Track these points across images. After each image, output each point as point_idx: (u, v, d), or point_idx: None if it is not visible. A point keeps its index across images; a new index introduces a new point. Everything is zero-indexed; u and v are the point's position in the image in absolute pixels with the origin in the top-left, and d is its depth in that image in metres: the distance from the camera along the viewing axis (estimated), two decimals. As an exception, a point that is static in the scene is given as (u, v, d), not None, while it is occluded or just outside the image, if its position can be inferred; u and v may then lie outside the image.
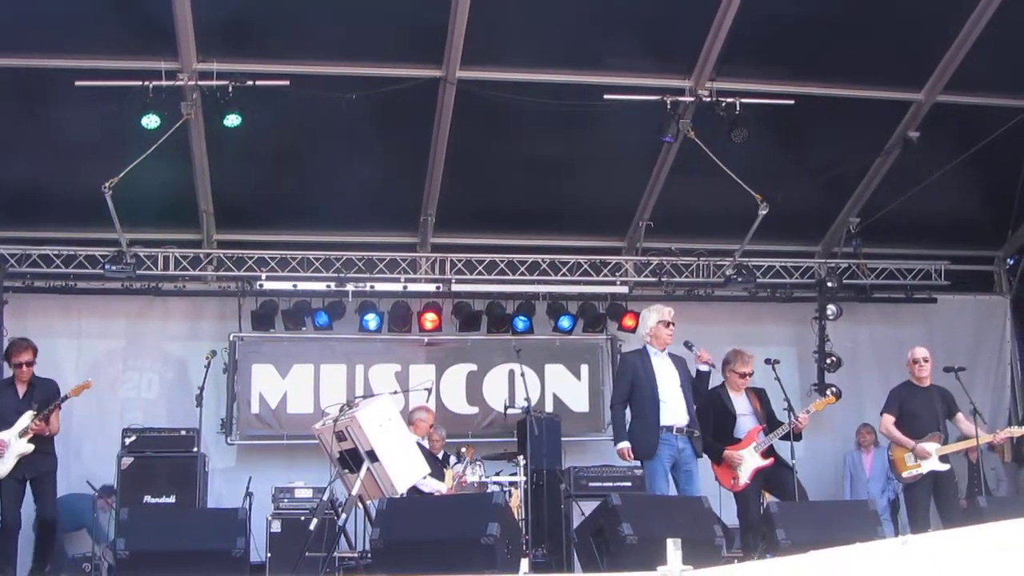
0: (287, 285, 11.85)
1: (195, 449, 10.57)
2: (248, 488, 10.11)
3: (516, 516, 8.95)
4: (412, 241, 12.43)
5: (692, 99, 10.61)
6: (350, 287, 11.87)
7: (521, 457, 9.88)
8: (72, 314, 11.96)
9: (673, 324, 8.98)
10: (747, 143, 10.48)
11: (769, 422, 9.18)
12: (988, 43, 10.26)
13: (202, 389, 10.69)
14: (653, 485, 8.66)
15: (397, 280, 12.10)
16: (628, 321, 12.35)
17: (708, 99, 10.53)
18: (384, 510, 7.61)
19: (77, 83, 9.71)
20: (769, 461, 9.04)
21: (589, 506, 8.96)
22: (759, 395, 9.35)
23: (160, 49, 9.79)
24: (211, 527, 8.14)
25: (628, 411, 8.97)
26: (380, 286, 12.05)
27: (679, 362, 9.00)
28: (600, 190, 11.85)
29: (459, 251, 12.32)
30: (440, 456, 10.51)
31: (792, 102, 10.65)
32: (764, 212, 10.99)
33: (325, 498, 8.60)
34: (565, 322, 12.48)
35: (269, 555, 9.82)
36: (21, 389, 9.33)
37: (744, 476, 9.00)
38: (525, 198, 11.91)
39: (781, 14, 10.06)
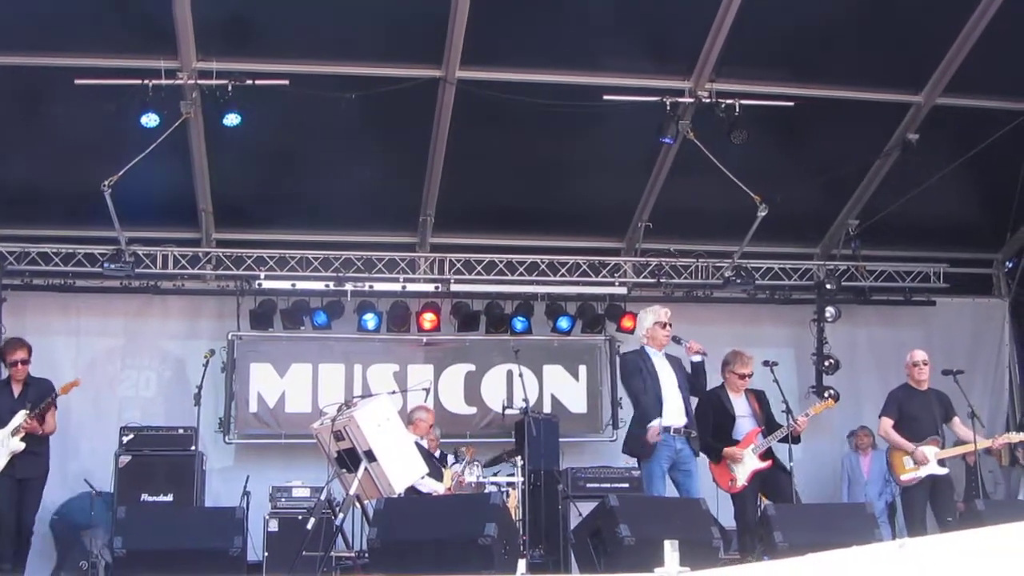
0: (286, 284, 11.85)
1: (193, 448, 10.57)
2: (246, 487, 10.13)
3: (514, 517, 8.95)
4: (411, 241, 12.42)
5: (692, 100, 10.61)
6: (349, 287, 11.87)
7: (519, 458, 9.88)
8: (71, 312, 11.96)
9: (670, 325, 8.99)
10: (746, 144, 10.49)
11: (768, 424, 9.18)
12: (988, 45, 10.26)
13: (200, 388, 10.71)
14: (650, 486, 8.67)
15: (396, 280, 12.10)
16: (627, 322, 12.35)
17: (708, 100, 10.53)
18: (382, 510, 7.62)
19: (77, 81, 9.70)
20: (767, 463, 9.04)
21: (587, 507, 8.96)
22: (758, 397, 9.34)
23: (160, 48, 9.78)
24: (208, 526, 8.15)
25: (633, 404, 8.97)
26: (379, 286, 12.05)
27: (676, 363, 9.01)
28: (599, 191, 11.86)
29: (458, 251, 12.32)
30: (437, 456, 10.51)
31: (791, 104, 10.64)
32: (763, 214, 10.99)
33: (323, 497, 8.60)
34: (564, 323, 12.48)
35: (266, 554, 9.82)
36: (16, 389, 9.34)
37: (742, 478, 8.99)
38: (524, 198, 11.91)
39: (781, 16, 10.06)
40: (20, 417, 9.11)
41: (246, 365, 12.05)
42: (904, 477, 9.35)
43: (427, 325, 12.22)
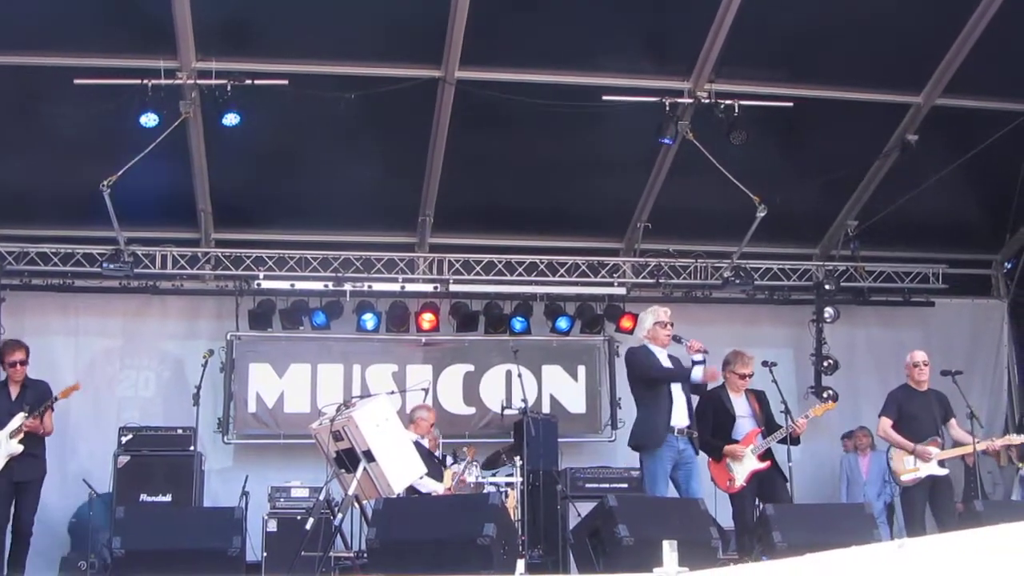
0: (285, 284, 11.85)
1: (192, 448, 10.57)
2: (244, 487, 10.14)
3: (512, 517, 8.95)
4: (410, 241, 12.42)
5: (691, 101, 10.61)
6: (348, 287, 11.87)
7: (518, 458, 9.88)
8: (69, 312, 11.96)
9: (671, 325, 8.98)
10: (745, 145, 10.49)
11: (768, 425, 9.17)
12: (987, 46, 10.26)
13: (199, 388, 10.72)
14: (653, 486, 8.62)
15: (395, 280, 12.10)
16: (626, 322, 12.36)
17: (707, 101, 10.53)
18: (380, 510, 7.61)
19: (76, 81, 9.70)
20: (766, 464, 9.04)
21: (586, 507, 8.97)
22: (759, 397, 9.34)
23: (159, 48, 9.78)
24: (207, 526, 8.13)
25: (641, 400, 8.91)
26: (378, 286, 12.05)
27: (676, 363, 9.00)
28: (598, 191, 11.86)
29: (457, 251, 12.32)
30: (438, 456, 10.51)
31: (791, 104, 10.65)
32: (762, 214, 10.99)
33: (321, 498, 8.61)
34: (563, 323, 12.48)
35: (265, 554, 9.83)
36: (14, 391, 9.33)
37: (740, 478, 8.99)
38: (523, 199, 11.91)
39: (780, 16, 10.06)
40: (19, 420, 9.11)
41: (245, 365, 12.05)
42: (905, 477, 9.35)
43: (426, 325, 12.22)
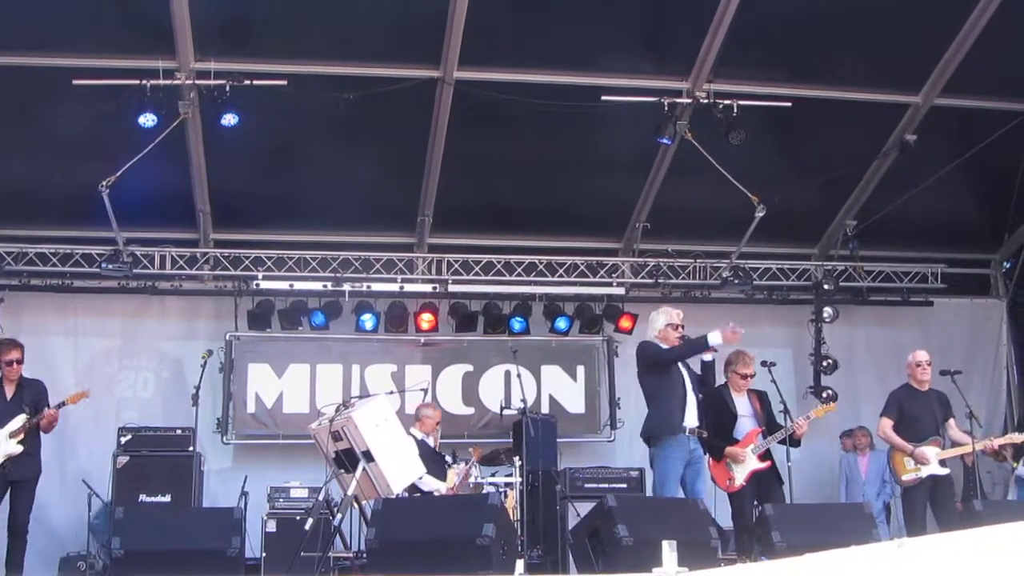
0: (283, 285, 11.85)
1: (191, 448, 10.57)
2: (244, 487, 10.13)
3: (512, 517, 8.95)
4: (409, 241, 12.42)
5: (689, 101, 10.61)
6: (347, 287, 11.87)
7: (517, 458, 9.88)
8: (68, 313, 11.96)
9: (682, 327, 8.95)
10: (744, 145, 10.48)
11: (769, 425, 9.17)
12: (986, 46, 10.27)
13: (198, 388, 10.72)
14: (663, 486, 8.55)
15: (394, 280, 12.10)
16: (624, 322, 12.38)
17: (705, 101, 10.53)
18: (379, 510, 7.61)
19: (75, 82, 9.70)
20: (766, 464, 9.04)
21: (585, 507, 8.97)
22: (760, 397, 9.34)
23: (158, 48, 9.78)
24: (207, 526, 8.13)
25: (654, 393, 8.83)
26: (376, 286, 12.05)
27: (686, 364, 8.97)
28: (597, 191, 11.87)
29: (456, 252, 12.32)
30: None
31: (789, 104, 10.65)
32: (761, 214, 10.99)
33: (321, 498, 8.61)
34: (561, 323, 12.48)
35: (264, 555, 9.83)
36: (9, 390, 9.29)
37: (740, 477, 8.99)
38: (522, 199, 11.91)
39: (779, 16, 10.07)
40: (19, 421, 9.09)
41: (244, 365, 12.05)
42: (905, 477, 9.35)
43: (425, 325, 12.22)
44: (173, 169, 11.01)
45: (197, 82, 9.94)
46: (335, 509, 8.39)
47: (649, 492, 10.39)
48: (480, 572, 6.95)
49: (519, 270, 12.19)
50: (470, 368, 12.42)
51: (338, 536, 8.30)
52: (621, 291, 12.44)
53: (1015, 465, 11.48)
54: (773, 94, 10.68)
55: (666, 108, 10.55)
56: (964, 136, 11.27)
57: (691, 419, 8.66)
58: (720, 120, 10.47)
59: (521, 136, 11.19)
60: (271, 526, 10.03)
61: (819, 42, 10.39)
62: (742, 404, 9.25)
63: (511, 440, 11.12)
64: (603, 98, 10.49)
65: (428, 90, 10.46)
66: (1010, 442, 9.89)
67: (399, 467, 7.94)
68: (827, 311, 12.65)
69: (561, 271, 12.25)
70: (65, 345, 11.87)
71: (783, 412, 9.13)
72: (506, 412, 11.00)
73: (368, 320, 12.12)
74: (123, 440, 10.42)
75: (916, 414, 9.43)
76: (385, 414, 8.05)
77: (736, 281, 12.20)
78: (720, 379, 9.27)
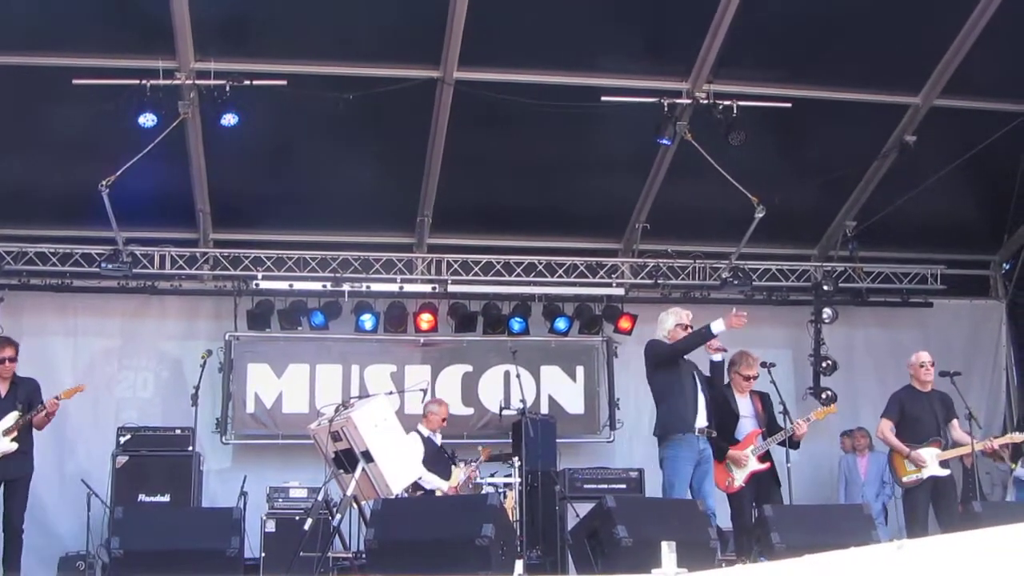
0: (283, 285, 11.84)
1: (190, 448, 10.57)
2: (243, 488, 10.13)
3: (511, 517, 8.95)
4: (408, 242, 12.42)
5: (689, 101, 10.60)
6: (346, 287, 11.86)
7: (516, 459, 9.88)
8: (68, 312, 11.96)
9: (692, 327, 8.94)
10: (744, 146, 10.48)
11: (769, 426, 9.17)
12: (985, 47, 10.27)
13: (197, 388, 10.73)
14: (672, 487, 8.52)
15: (393, 280, 12.09)
16: (624, 323, 12.38)
17: (705, 101, 10.53)
18: (379, 510, 7.61)
19: (74, 81, 9.69)
20: (766, 465, 9.04)
21: (584, 508, 8.96)
22: (762, 399, 9.34)
23: (158, 48, 9.78)
24: (206, 526, 8.14)
25: (665, 391, 8.81)
26: (376, 286, 12.05)
27: (693, 365, 8.96)
28: (597, 192, 11.86)
29: (455, 252, 12.32)
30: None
31: (789, 105, 10.65)
32: (760, 215, 10.99)
33: (320, 498, 8.61)
34: (561, 324, 12.47)
35: (263, 555, 9.83)
36: (3, 388, 9.29)
37: (739, 478, 9.00)
38: (522, 199, 11.91)
39: (779, 17, 10.07)
40: (11, 419, 9.09)
41: (243, 365, 12.05)
42: (906, 479, 9.35)
43: (424, 326, 12.22)
44: (173, 169, 11.00)
45: (197, 82, 9.94)
46: (334, 509, 8.39)
47: (651, 493, 10.41)
48: (479, 572, 6.95)
49: (519, 270, 12.19)
50: (469, 368, 12.41)
51: (337, 536, 8.29)
52: (621, 291, 12.44)
53: (1013, 466, 11.49)
54: (773, 94, 10.68)
55: (666, 108, 10.54)
56: (964, 137, 11.27)
57: (701, 419, 8.65)
58: (720, 120, 10.46)
59: (521, 136, 11.19)
60: (270, 526, 10.03)
61: (819, 42, 10.38)
62: (744, 405, 9.26)
63: (511, 441, 11.12)
64: (603, 98, 10.48)
65: (428, 90, 10.46)
66: (1010, 441, 9.89)
67: (398, 467, 7.94)
68: (826, 312, 12.64)
69: (561, 271, 12.25)
70: (65, 345, 11.87)
71: (783, 413, 9.13)
72: (505, 412, 11.00)
73: (367, 320, 12.12)
74: (122, 440, 10.43)
75: (917, 415, 9.43)
76: (384, 414, 8.05)
77: (736, 282, 12.20)
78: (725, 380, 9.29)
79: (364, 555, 7.82)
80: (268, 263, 11.84)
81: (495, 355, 12.31)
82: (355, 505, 8.29)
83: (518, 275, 12.18)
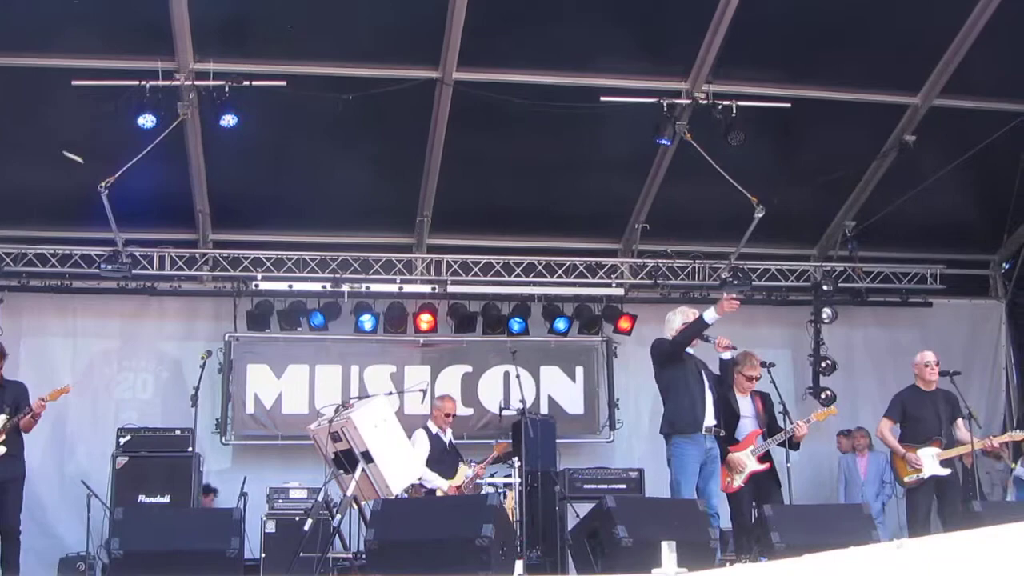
0: (283, 285, 11.85)
1: (190, 449, 10.55)
2: (243, 488, 10.13)
3: (511, 518, 8.95)
4: (408, 242, 12.42)
5: (688, 102, 10.61)
6: (346, 288, 11.87)
7: (516, 459, 9.88)
8: (67, 313, 11.96)
9: None
10: (743, 146, 10.48)
11: (769, 427, 9.17)
12: (985, 47, 10.28)
13: (197, 389, 10.71)
14: (679, 486, 8.49)
15: (393, 281, 12.09)
16: (623, 323, 12.38)
17: (704, 102, 10.53)
18: (379, 511, 7.61)
19: (74, 82, 9.70)
20: (766, 466, 9.04)
21: (584, 508, 8.96)
22: (763, 399, 9.34)
23: (157, 49, 9.78)
24: (206, 527, 8.14)
25: (671, 389, 8.77)
26: (376, 287, 12.05)
27: (702, 364, 8.95)
28: (596, 192, 11.86)
29: (455, 252, 12.32)
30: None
31: (788, 105, 10.65)
32: (760, 215, 10.99)
33: (320, 499, 8.61)
34: (560, 324, 12.47)
35: (264, 555, 9.83)
36: None
37: (739, 478, 9.00)
38: (521, 200, 11.91)
39: (778, 17, 10.07)
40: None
41: (243, 366, 12.05)
42: (907, 479, 9.36)
43: (424, 326, 12.22)
44: (172, 170, 11.00)
45: (196, 83, 9.94)
46: (334, 510, 8.40)
47: (650, 493, 10.41)
48: (479, 573, 6.95)
49: (518, 271, 12.19)
50: (469, 369, 12.42)
51: (337, 537, 8.29)
52: (620, 292, 12.44)
53: (1013, 465, 11.49)
54: (772, 95, 10.68)
55: (665, 109, 10.55)
56: (963, 137, 11.27)
57: (709, 417, 8.64)
58: (719, 121, 10.47)
59: (520, 137, 11.19)
60: (270, 527, 10.02)
61: (818, 42, 10.38)
62: (745, 405, 9.25)
63: (510, 441, 11.12)
64: (602, 99, 10.49)
65: (427, 91, 10.46)
66: (1010, 440, 9.88)
67: (398, 468, 7.94)
68: (826, 312, 12.65)
69: (560, 272, 12.25)
70: (64, 346, 11.87)
71: (783, 413, 9.13)
72: (505, 413, 10.99)
73: (367, 321, 12.12)
74: (122, 441, 10.42)
75: (920, 415, 9.43)
76: (384, 415, 8.06)
77: (735, 282, 12.19)
78: None
79: (364, 555, 7.82)
80: (267, 264, 11.84)
81: (495, 355, 12.31)
82: (355, 505, 8.29)
83: (518, 275, 12.18)
